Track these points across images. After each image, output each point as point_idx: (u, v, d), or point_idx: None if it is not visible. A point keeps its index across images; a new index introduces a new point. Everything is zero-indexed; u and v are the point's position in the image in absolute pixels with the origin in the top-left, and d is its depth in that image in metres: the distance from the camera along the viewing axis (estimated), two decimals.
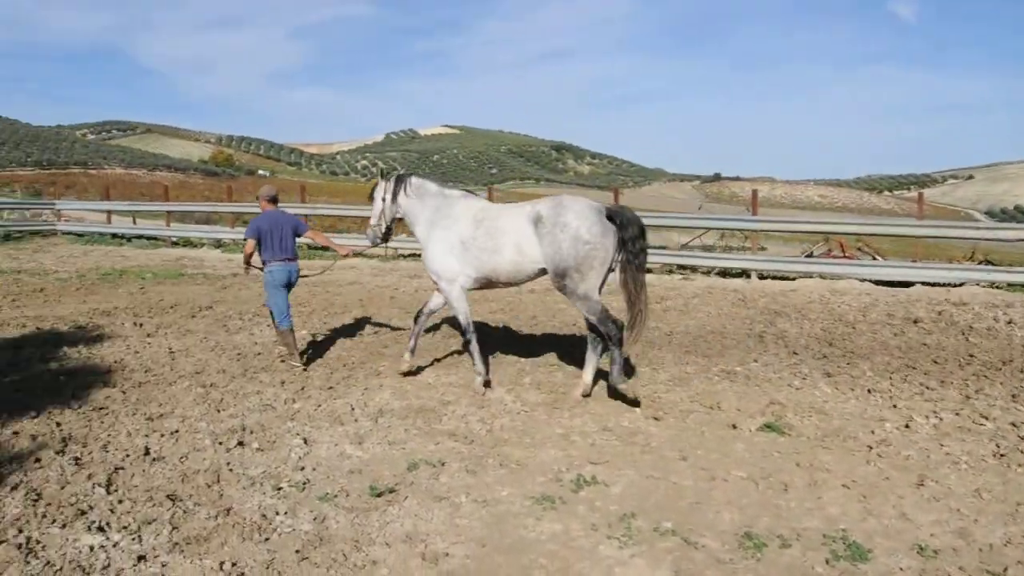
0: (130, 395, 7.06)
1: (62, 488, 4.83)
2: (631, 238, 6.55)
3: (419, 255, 20.24)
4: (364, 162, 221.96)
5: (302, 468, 5.32)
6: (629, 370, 7.58)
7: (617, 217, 6.61)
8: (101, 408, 6.63)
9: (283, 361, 8.30)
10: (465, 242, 7.03)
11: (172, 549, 4.08)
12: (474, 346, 7.33)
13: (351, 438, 5.98)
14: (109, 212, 27.47)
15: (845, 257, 17.68)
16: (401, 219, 7.90)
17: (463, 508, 4.68)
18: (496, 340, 9.71)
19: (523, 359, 8.75)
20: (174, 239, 24.85)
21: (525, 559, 4.08)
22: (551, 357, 8.85)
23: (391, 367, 8.26)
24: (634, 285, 6.63)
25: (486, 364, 7.51)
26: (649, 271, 17.01)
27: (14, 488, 4.79)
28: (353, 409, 6.72)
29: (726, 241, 20.36)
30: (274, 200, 8.44)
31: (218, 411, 6.62)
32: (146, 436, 5.89)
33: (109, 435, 5.89)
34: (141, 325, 10.58)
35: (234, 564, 3.94)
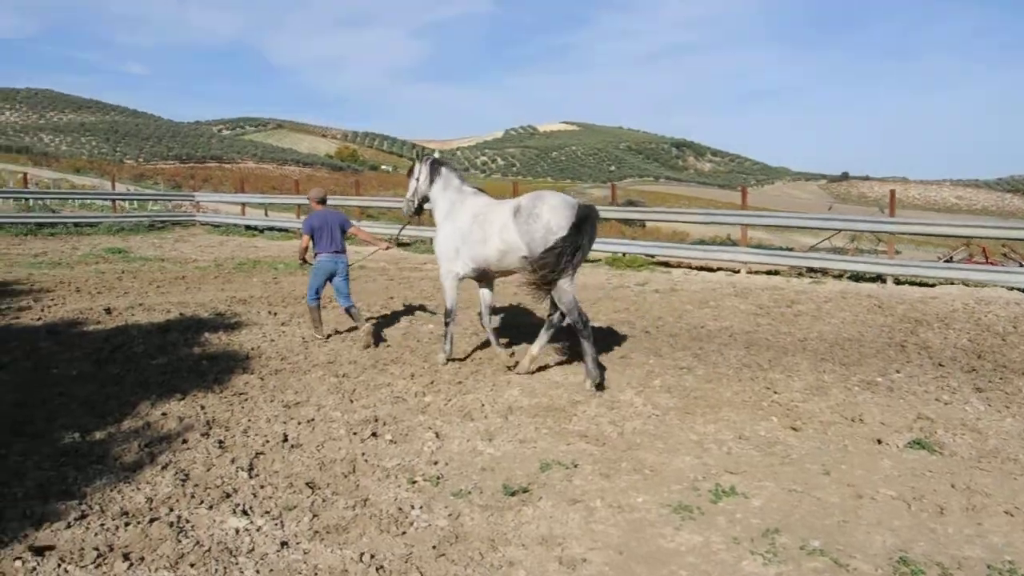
0: (267, 382, 7.28)
1: (208, 470, 5.00)
2: (590, 233, 7.04)
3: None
4: (483, 158, 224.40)
5: (435, 462, 5.33)
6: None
7: (583, 213, 7.06)
8: (241, 393, 6.85)
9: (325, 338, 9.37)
10: (464, 235, 7.72)
11: (313, 537, 4.14)
12: (451, 329, 8.18)
13: (482, 434, 5.96)
14: (243, 204, 28.71)
15: (989, 263, 16.61)
16: (427, 200, 8.49)
17: (598, 513, 4.57)
18: (622, 341, 9.55)
19: (651, 360, 8.55)
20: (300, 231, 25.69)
21: (665, 571, 3.94)
22: (680, 359, 8.63)
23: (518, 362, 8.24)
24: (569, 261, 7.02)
25: (452, 346, 8.29)
26: (776, 272, 16.63)
27: (164, 468, 4.99)
28: (483, 405, 6.71)
29: (857, 244, 19.48)
30: (323, 201, 9.47)
31: (351, 401, 6.73)
32: (284, 423, 6.04)
33: (249, 420, 6.07)
34: (275, 314, 10.93)
35: (372, 556, 3.95)
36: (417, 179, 8.46)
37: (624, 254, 18.80)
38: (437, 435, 5.89)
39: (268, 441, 5.60)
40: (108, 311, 10.78)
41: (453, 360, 8.35)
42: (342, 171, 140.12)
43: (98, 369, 7.53)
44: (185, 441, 5.51)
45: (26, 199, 26.05)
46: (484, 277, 8.08)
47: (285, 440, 5.65)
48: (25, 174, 29.35)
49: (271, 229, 26.33)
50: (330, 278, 9.20)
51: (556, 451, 5.65)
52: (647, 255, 18.84)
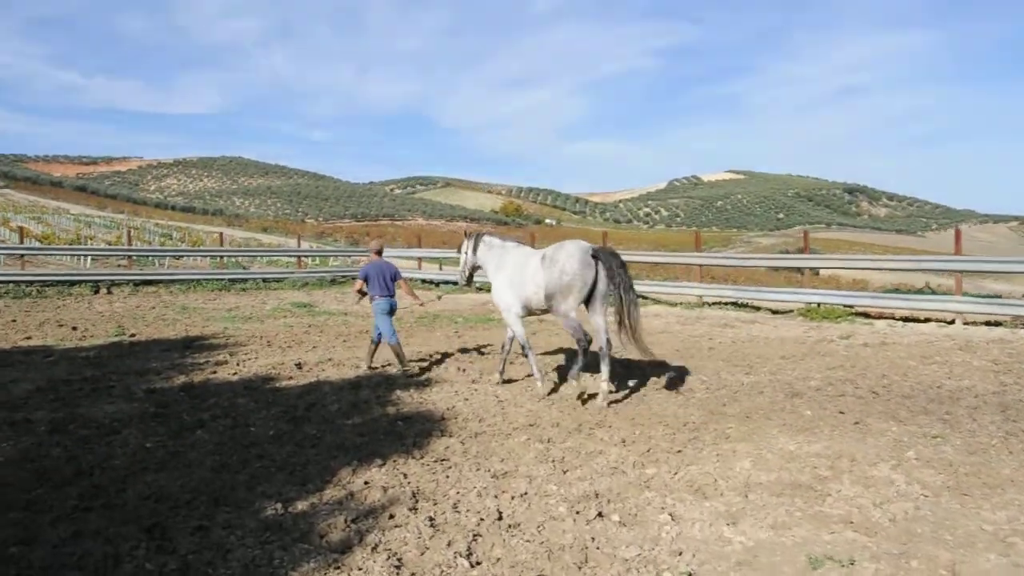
0: (469, 447, 6.69)
1: (422, 554, 4.39)
2: (614, 270, 8.26)
3: (726, 303, 19.32)
4: (647, 209, 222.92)
5: (679, 552, 4.50)
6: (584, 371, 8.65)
7: (599, 256, 8.33)
8: (443, 460, 6.29)
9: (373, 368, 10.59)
10: (512, 280, 9.06)
11: None
12: (532, 355, 9.42)
13: (724, 517, 5.07)
14: (420, 259, 29.08)
15: None
16: (477, 267, 10.03)
17: None
18: (849, 403, 8.38)
19: (892, 427, 7.37)
20: (478, 285, 25.64)
21: None
22: (926, 426, 7.39)
23: (738, 429, 7.30)
24: (621, 304, 8.35)
25: (538, 370, 9.36)
26: (997, 324, 14.77)
27: (374, 549, 4.43)
28: (715, 480, 5.81)
29: None
30: (379, 252, 10.97)
31: (564, 472, 6.01)
32: (495, 497, 5.38)
33: (458, 493, 5.46)
34: (464, 370, 10.48)
35: None
36: (466, 253, 10.08)
37: (819, 304, 17.40)
38: (672, 517, 5.05)
39: (483, 519, 4.94)
40: (299, 366, 10.67)
41: (665, 425, 7.51)
42: (507, 225, 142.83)
43: (295, 428, 7.20)
44: (392, 516, 4.95)
45: (221, 257, 27.44)
46: (530, 314, 9.20)
47: (500, 518, 4.98)
48: (221, 234, 31.10)
49: (446, 283, 26.45)
50: (391, 313, 10.51)
51: (820, 542, 4.68)
52: (845, 305, 17.36)
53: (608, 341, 8.43)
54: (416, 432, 7.12)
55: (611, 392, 8.54)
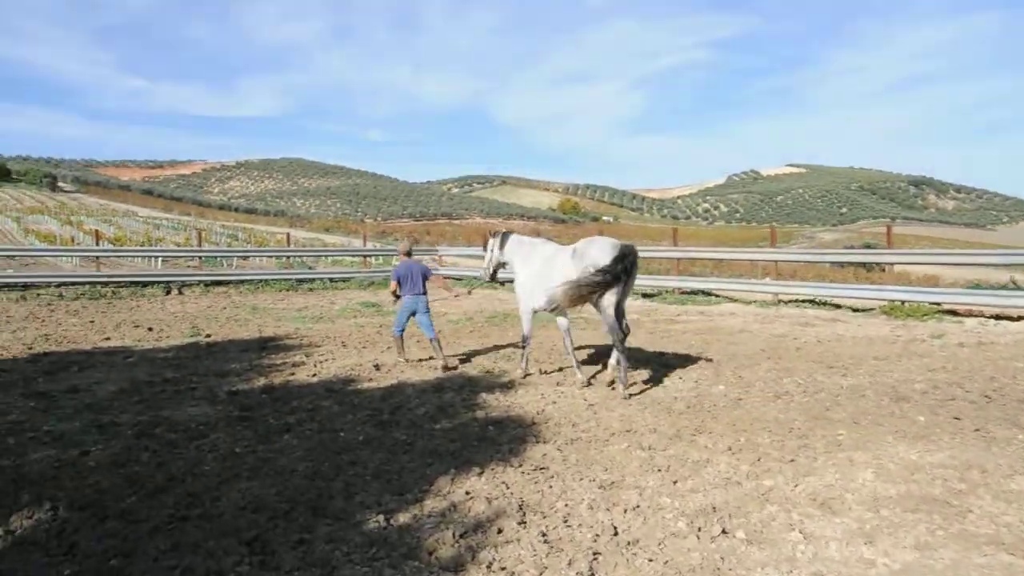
0: (567, 454, 6.36)
1: (540, 574, 4.07)
2: (628, 266, 8.51)
3: (803, 301, 18.67)
4: (705, 205, 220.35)
5: None
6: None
7: (628, 253, 8.56)
8: (542, 468, 5.96)
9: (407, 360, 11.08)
10: (538, 275, 9.49)
11: None
12: (526, 352, 10.02)
13: (859, 535, 4.64)
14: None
15: None
16: (503, 264, 10.61)
17: None
18: (963, 409, 7.81)
19: (1018, 435, 6.81)
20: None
21: None
22: None
23: (850, 436, 6.83)
24: (622, 293, 8.64)
25: (527, 364, 10.01)
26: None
27: (489, 568, 4.13)
28: (842, 494, 5.37)
29: None
30: (409, 253, 11.41)
31: (674, 483, 5.63)
32: (607, 510, 5.04)
33: (566, 505, 5.13)
34: (546, 372, 10.16)
35: None
36: (491, 250, 10.61)
37: (903, 302, 16.66)
38: (803, 534, 4.64)
39: (598, 535, 4.60)
40: (377, 367, 10.48)
41: (769, 432, 7.08)
42: (564, 223, 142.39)
43: (383, 433, 6.96)
44: (501, 531, 4.64)
45: (288, 257, 27.60)
46: (555, 309, 9.44)
47: (616, 534, 4.64)
48: (287, 234, 31.33)
49: (511, 281, 26.16)
50: (413, 314, 10.99)
51: (973, 564, 4.23)
52: (931, 303, 16.58)
53: (625, 327, 8.85)
54: (509, 438, 6.82)
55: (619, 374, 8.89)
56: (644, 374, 9.96)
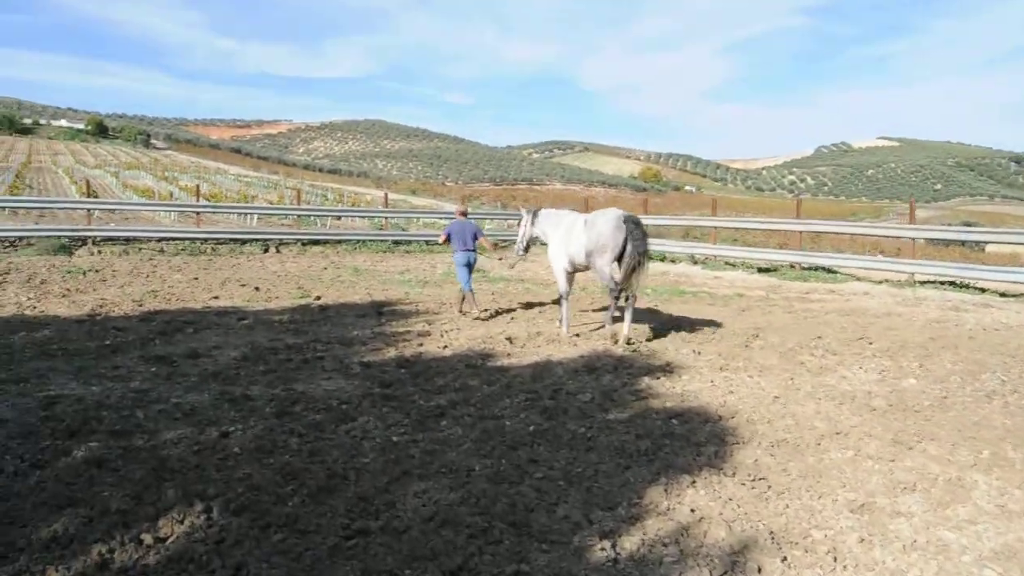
0: (782, 461, 5.30)
1: None
2: (633, 234, 9.36)
3: (943, 282, 17.11)
4: (791, 177, 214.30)
5: None
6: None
7: (628, 222, 9.46)
8: (762, 478, 4.92)
9: (464, 314, 11.71)
10: (563, 240, 10.36)
11: None
12: (565, 306, 10.41)
13: None
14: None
15: None
16: (535, 239, 11.60)
17: None
18: None
19: None
20: (650, 253, 24.12)
21: None
22: None
23: None
24: (631, 259, 9.37)
25: (567, 323, 10.34)
26: None
27: None
28: None
29: None
30: (464, 213, 12.35)
31: (940, 509, 4.52)
32: (881, 547, 3.98)
33: (826, 536, 4.09)
34: (699, 353, 9.09)
35: None
36: (525, 226, 11.60)
37: None
38: None
39: (871, 572, 3.55)
40: (510, 340, 9.56)
41: (1014, 445, 5.87)
42: (646, 191, 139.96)
43: (554, 423, 6.00)
44: (761, 570, 3.63)
45: (386, 218, 26.96)
46: (575, 269, 10.45)
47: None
48: (386, 195, 30.69)
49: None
50: (468, 268, 11.76)
51: None
52: None
53: (634, 294, 9.89)
54: (703, 436, 5.79)
55: (629, 338, 9.56)
56: (812, 360, 8.79)
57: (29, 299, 12.13)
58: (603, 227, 9.59)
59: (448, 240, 11.93)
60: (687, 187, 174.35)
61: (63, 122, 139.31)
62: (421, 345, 9.19)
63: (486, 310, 11.95)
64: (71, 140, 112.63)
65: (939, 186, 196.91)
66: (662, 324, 11.12)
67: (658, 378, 7.69)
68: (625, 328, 9.61)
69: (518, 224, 11.42)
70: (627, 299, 9.81)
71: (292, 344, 8.98)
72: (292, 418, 5.91)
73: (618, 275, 9.57)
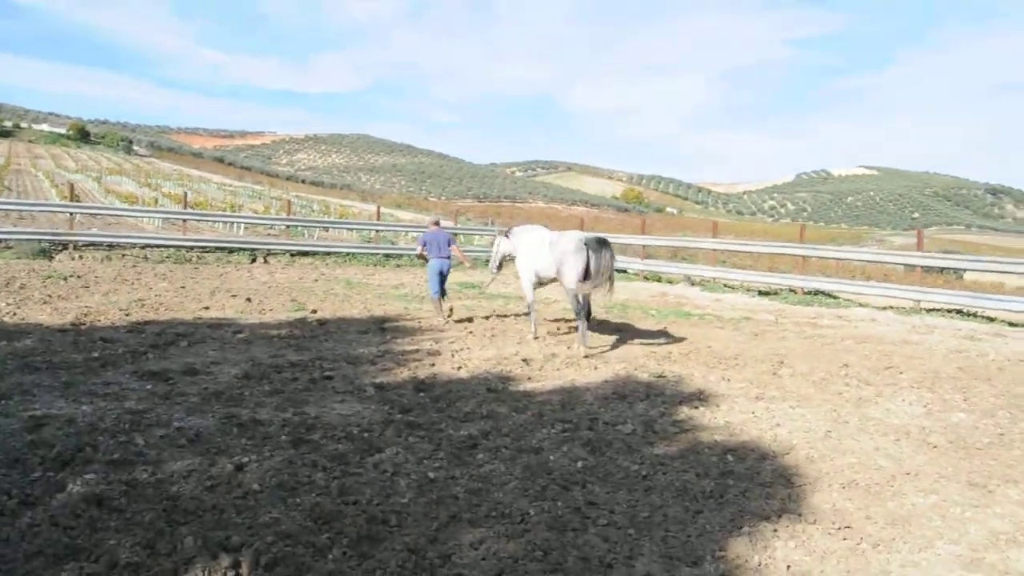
0: (863, 507, 4.77)
1: None
2: (596, 255, 9.83)
3: (950, 310, 16.77)
4: (771, 202, 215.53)
5: None
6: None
7: (587, 243, 9.97)
8: (848, 527, 4.41)
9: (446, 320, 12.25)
10: (529, 256, 11.06)
11: None
12: (533, 314, 11.26)
13: None
14: None
15: None
16: (508, 259, 12.20)
17: None
18: None
19: None
20: (646, 273, 23.65)
21: None
22: None
23: None
24: (600, 278, 9.94)
25: (536, 328, 11.11)
26: None
27: None
28: None
29: None
30: (437, 223, 13.25)
31: None
32: None
33: None
34: (728, 380, 8.56)
35: None
36: (497, 245, 12.45)
37: None
38: None
39: None
40: (526, 361, 9.00)
41: None
42: (627, 212, 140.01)
43: (602, 459, 5.44)
44: None
45: (377, 231, 26.33)
46: (540, 283, 11.16)
47: None
48: (378, 207, 30.03)
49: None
50: (441, 276, 12.49)
51: None
52: None
53: (588, 307, 10.34)
54: (768, 476, 5.25)
55: (585, 349, 9.87)
56: (848, 390, 8.29)
57: (8, 305, 11.42)
58: (567, 248, 10.14)
59: (425, 249, 12.68)
60: (668, 209, 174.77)
61: (45, 126, 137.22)
62: (433, 365, 8.60)
63: (451, 313, 12.50)
64: (52, 144, 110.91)
65: (916, 214, 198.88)
66: (680, 348, 10.60)
67: (696, 408, 7.15)
68: (578, 338, 10.12)
69: (490, 246, 12.27)
70: (586, 314, 10.28)
71: (296, 361, 8.36)
72: (311, 448, 5.30)
73: (580, 293, 10.09)
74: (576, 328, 10.45)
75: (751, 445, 5.98)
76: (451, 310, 12.56)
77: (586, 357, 9.56)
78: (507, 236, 12.09)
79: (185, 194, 25.14)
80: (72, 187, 25.28)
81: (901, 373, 9.48)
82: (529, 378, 8.17)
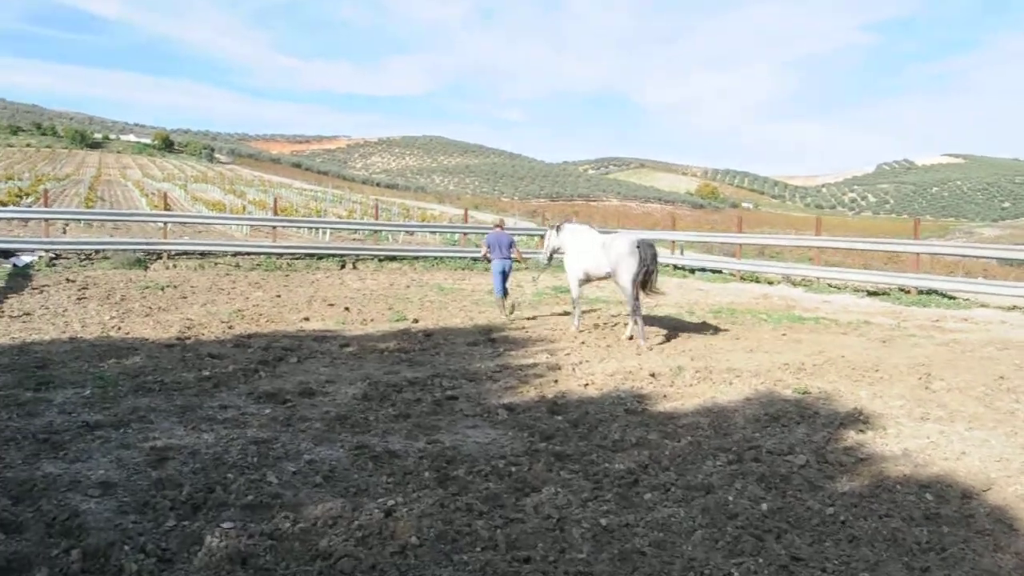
0: None
1: None
2: (645, 257, 10.74)
3: None
4: (852, 195, 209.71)
5: None
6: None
7: (640, 245, 10.83)
8: None
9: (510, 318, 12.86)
10: (579, 255, 11.84)
11: None
12: (577, 309, 12.08)
13: None
14: (673, 242, 26.31)
15: None
16: (558, 249, 12.59)
17: None
18: None
19: None
20: (743, 273, 22.63)
21: None
22: None
23: None
24: (647, 276, 10.81)
25: (579, 320, 11.98)
26: None
27: None
28: None
29: None
30: (500, 226, 14.12)
31: None
32: None
33: None
34: (879, 396, 7.74)
35: None
36: (548, 239, 12.80)
37: None
38: None
39: None
40: (654, 376, 8.35)
41: None
42: (702, 208, 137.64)
43: (785, 500, 4.75)
44: None
45: (465, 234, 25.96)
46: (587, 281, 12.01)
47: None
48: (465, 210, 29.78)
49: (703, 270, 23.63)
50: (504, 276, 13.04)
51: None
52: None
53: (638, 303, 10.81)
54: (985, 521, 4.50)
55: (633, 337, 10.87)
56: (1020, 408, 7.37)
57: (112, 318, 11.30)
58: (622, 250, 10.86)
59: (488, 250, 13.33)
60: (744, 204, 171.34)
61: (131, 137, 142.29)
62: (556, 382, 8.01)
63: (513, 310, 13.15)
64: (138, 154, 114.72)
65: (1007, 204, 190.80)
66: (810, 358, 9.77)
67: (862, 431, 6.39)
68: (632, 330, 10.98)
69: (542, 238, 13.10)
70: (636, 304, 10.84)
71: (412, 379, 7.87)
72: (459, 486, 4.74)
73: (634, 290, 10.73)
74: (630, 323, 11.15)
75: (945, 480, 5.22)
76: (513, 307, 13.20)
77: (649, 349, 10.32)
78: (560, 229, 12.66)
79: (275, 200, 25.09)
80: (166, 196, 25.62)
81: None
82: (664, 396, 7.51)
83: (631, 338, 10.96)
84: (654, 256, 10.97)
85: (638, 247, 10.84)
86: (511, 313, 13.05)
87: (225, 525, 3.96)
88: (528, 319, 12.94)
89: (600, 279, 11.95)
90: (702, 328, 12.41)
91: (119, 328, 10.54)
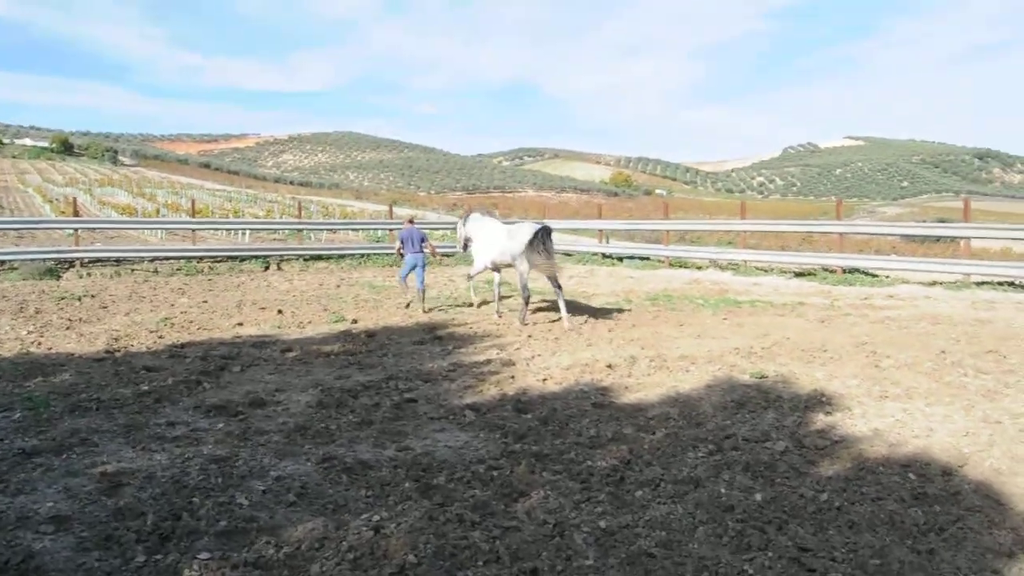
0: None
1: None
2: (542, 241, 11.39)
3: (1000, 283, 16.14)
4: (760, 179, 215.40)
5: None
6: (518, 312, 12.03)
7: (539, 230, 11.55)
8: None
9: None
10: (486, 243, 12.68)
11: None
12: (471, 282, 14.00)
13: None
14: (600, 231, 26.43)
15: None
16: (469, 237, 13.48)
17: None
18: None
19: None
20: (671, 259, 22.85)
21: None
22: None
23: None
24: (547, 260, 11.58)
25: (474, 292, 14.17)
26: None
27: None
28: None
29: None
30: (411, 221, 14.72)
31: None
32: None
33: None
34: (836, 377, 7.83)
35: None
36: (459, 228, 13.92)
37: None
38: None
39: None
40: (610, 367, 8.25)
41: None
42: (616, 196, 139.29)
43: (776, 488, 4.68)
44: None
45: (390, 230, 25.54)
46: (495, 268, 12.69)
47: None
48: (390, 206, 29.19)
49: (631, 258, 23.80)
50: (413, 268, 13.66)
51: None
52: None
53: (559, 285, 11.92)
54: (972, 498, 4.53)
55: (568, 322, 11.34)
56: (968, 381, 7.55)
57: (30, 332, 10.61)
58: (523, 237, 11.51)
59: (402, 246, 13.94)
60: (658, 191, 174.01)
61: (27, 140, 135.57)
62: (514, 378, 7.84)
63: (412, 299, 13.72)
64: (36, 158, 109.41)
65: (905, 183, 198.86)
66: (757, 341, 9.84)
67: (829, 413, 6.42)
68: (563, 313, 11.54)
69: (454, 228, 13.98)
70: (558, 289, 11.84)
71: (366, 383, 7.58)
72: (443, 496, 4.51)
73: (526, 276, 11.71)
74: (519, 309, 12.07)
75: (922, 458, 5.25)
76: (409, 303, 13.70)
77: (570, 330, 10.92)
78: (467, 219, 13.65)
79: (192, 202, 24.15)
80: (75, 201, 24.38)
81: (1006, 358, 8.77)
82: (626, 388, 7.41)
83: (571, 329, 11.11)
84: (549, 240, 11.58)
85: (537, 234, 11.49)
86: (407, 306, 13.55)
87: (202, 556, 3.65)
88: (457, 307, 13.93)
89: (506, 266, 12.35)
90: (643, 316, 12.40)
91: (39, 343, 9.88)
